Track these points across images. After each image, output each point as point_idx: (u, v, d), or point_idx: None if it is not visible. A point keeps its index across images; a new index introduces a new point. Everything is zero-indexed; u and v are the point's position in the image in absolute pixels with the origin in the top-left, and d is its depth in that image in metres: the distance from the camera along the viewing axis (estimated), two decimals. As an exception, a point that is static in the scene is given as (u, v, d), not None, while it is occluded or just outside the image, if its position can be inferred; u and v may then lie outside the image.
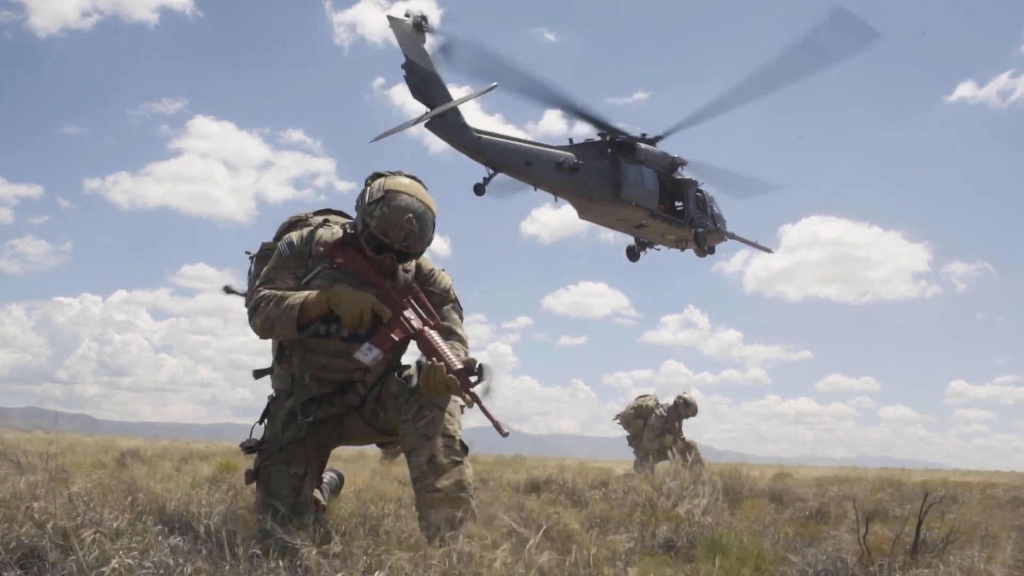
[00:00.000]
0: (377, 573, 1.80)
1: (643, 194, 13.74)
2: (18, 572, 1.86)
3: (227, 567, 1.97)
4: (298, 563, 1.90)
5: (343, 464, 7.03)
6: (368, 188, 2.83)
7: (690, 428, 9.77)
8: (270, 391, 3.07)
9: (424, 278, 3.01)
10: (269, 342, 3.06)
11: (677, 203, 14.64)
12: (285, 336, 2.78)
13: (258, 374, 3.07)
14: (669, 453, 9.12)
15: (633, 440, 9.73)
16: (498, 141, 12.35)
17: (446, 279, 3.06)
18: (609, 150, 13.77)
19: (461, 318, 3.03)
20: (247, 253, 3.21)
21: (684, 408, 9.52)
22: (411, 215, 2.73)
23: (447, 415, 2.69)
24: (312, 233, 2.93)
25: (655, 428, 9.37)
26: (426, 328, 2.72)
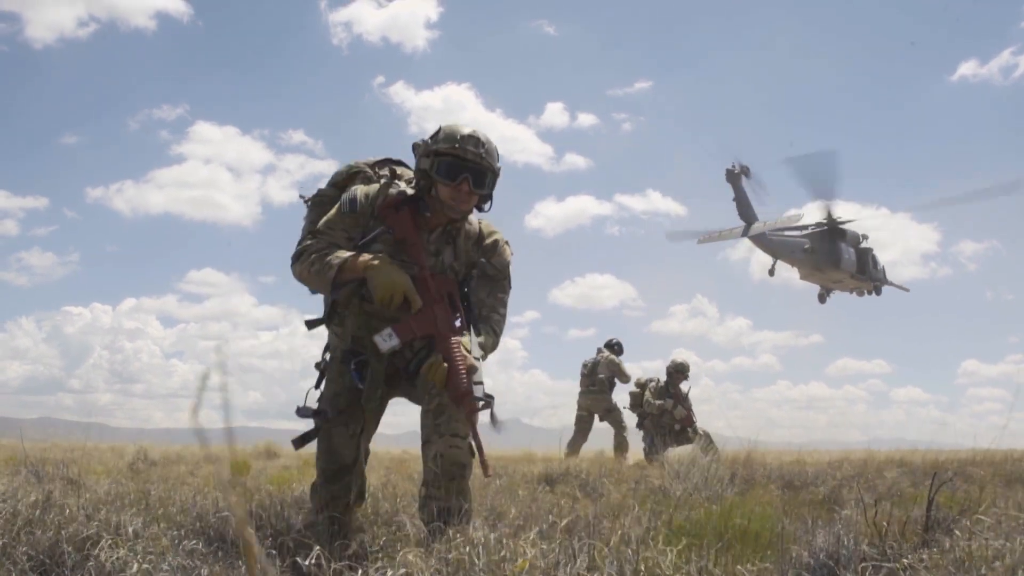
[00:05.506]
0: (390, 571, 1.82)
1: (849, 263, 20.97)
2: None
3: (243, 568, 1.99)
4: (313, 562, 1.92)
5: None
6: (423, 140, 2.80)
7: (701, 415, 9.77)
8: (317, 359, 2.95)
9: (487, 249, 2.91)
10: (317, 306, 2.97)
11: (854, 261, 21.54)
12: (320, 291, 2.76)
13: (311, 324, 2.88)
14: (680, 431, 9.15)
15: (641, 424, 9.80)
16: (776, 240, 20.38)
17: (507, 253, 2.95)
18: (827, 235, 20.79)
19: (508, 296, 2.96)
20: (301, 197, 3.11)
21: (676, 369, 9.51)
22: (473, 128, 2.73)
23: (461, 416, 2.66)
24: (378, 192, 2.83)
25: (656, 392, 9.48)
26: (450, 336, 2.64)
